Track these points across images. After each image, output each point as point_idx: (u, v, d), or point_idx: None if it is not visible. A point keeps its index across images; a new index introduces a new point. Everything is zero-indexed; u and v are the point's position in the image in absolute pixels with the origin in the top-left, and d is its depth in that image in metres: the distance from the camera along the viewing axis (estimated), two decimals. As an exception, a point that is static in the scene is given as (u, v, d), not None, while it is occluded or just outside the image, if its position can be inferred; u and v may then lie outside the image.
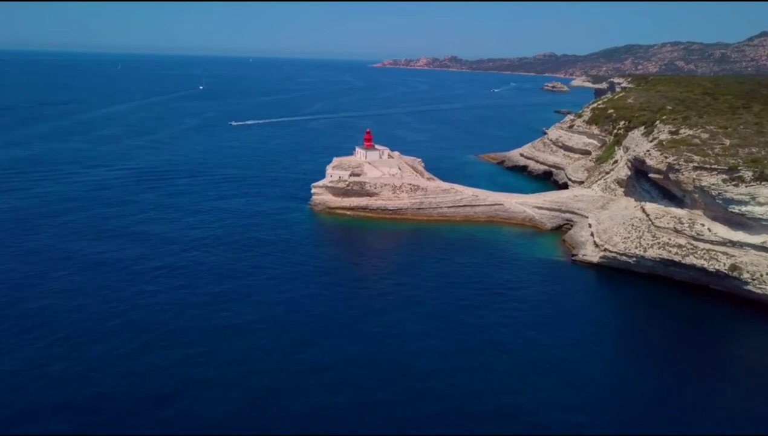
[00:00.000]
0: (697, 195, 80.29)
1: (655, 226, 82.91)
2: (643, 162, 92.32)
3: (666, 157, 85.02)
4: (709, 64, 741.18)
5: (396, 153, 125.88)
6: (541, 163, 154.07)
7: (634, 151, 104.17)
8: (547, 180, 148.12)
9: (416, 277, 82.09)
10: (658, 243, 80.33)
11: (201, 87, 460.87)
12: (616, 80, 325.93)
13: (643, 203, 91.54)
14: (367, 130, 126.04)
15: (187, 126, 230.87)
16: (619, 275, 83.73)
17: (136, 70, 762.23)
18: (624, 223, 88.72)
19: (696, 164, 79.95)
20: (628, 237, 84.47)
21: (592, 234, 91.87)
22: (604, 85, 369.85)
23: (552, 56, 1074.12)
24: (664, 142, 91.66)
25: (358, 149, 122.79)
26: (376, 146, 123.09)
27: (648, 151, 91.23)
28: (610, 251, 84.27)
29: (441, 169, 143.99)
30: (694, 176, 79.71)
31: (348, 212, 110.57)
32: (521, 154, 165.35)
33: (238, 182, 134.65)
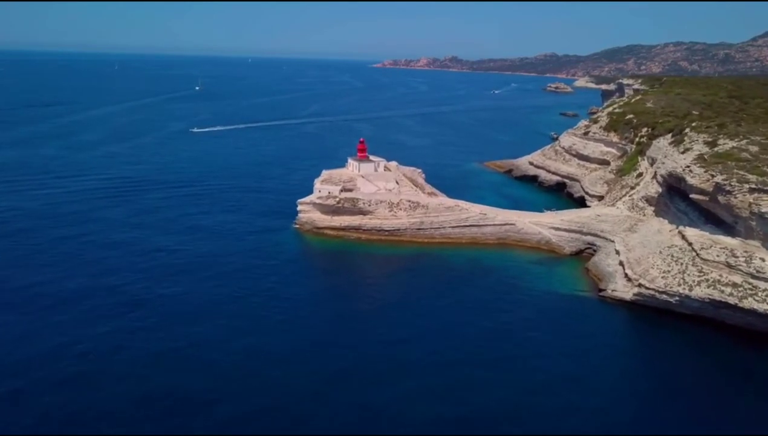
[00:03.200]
0: (754, 222, 66.85)
1: (702, 258, 69.24)
2: (681, 179, 78.96)
3: (713, 176, 71.64)
4: (712, 65, 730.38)
5: (393, 164, 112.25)
6: (553, 172, 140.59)
7: (663, 163, 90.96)
8: (561, 192, 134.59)
9: (416, 315, 69.33)
10: (707, 280, 66.75)
11: (197, 88, 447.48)
12: (625, 81, 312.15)
13: (681, 228, 77.96)
14: (361, 139, 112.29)
15: (174, 130, 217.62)
16: (658, 316, 70.03)
17: (133, 71, 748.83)
18: (660, 252, 75.11)
19: (753, 186, 66.51)
20: (668, 271, 70.82)
21: (621, 264, 78.43)
22: (612, 87, 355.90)
23: (553, 56, 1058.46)
24: (706, 157, 78.29)
25: (350, 161, 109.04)
26: (371, 157, 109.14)
27: (688, 167, 77.73)
28: (647, 288, 70.68)
29: (443, 179, 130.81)
30: (751, 200, 66.31)
31: (338, 233, 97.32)
32: (530, 163, 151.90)
33: (218, 195, 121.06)
